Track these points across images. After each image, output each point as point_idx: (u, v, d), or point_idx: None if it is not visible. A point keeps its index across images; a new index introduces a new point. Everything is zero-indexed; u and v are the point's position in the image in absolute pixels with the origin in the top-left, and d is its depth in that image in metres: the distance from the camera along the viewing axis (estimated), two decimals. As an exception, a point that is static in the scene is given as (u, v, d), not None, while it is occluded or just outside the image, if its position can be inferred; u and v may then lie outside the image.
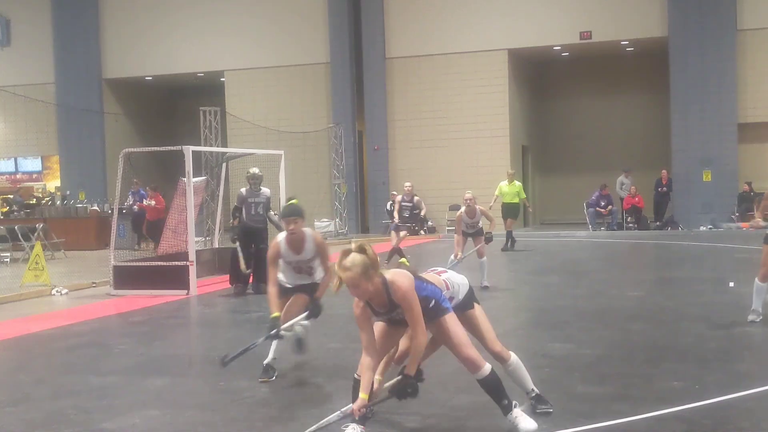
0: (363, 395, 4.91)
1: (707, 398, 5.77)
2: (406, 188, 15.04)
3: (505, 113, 23.97)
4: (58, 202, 24.88)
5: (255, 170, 12.53)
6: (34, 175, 28.98)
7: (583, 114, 27.14)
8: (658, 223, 23.52)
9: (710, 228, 22.12)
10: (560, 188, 26.61)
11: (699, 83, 22.54)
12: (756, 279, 8.49)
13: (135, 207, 21.16)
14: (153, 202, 20.38)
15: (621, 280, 13.16)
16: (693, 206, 22.81)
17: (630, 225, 23.37)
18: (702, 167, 22.83)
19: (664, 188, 23.54)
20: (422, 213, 15.34)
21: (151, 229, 19.94)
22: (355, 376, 5.21)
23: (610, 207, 23.49)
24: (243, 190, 12.41)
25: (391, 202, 24.35)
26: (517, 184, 17.92)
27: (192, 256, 12.59)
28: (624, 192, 23.82)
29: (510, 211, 17.43)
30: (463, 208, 12.11)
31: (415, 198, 15.10)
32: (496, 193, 17.92)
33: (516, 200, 17.66)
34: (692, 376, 6.49)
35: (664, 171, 23.53)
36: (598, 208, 23.48)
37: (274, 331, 6.57)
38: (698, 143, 22.71)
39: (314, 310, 6.83)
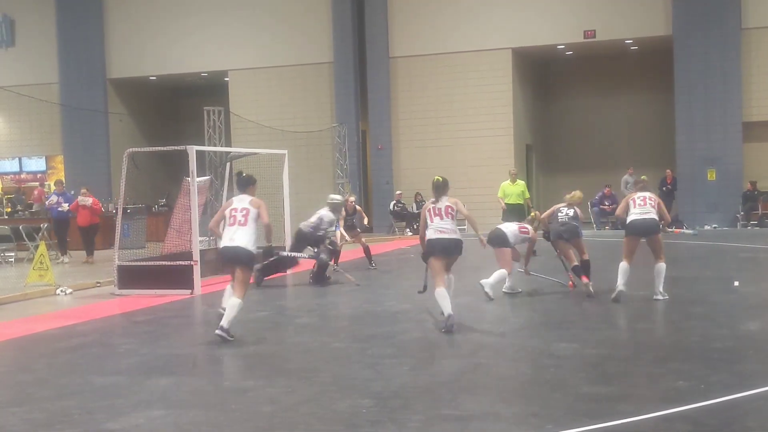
0: None
1: (713, 398, 5.75)
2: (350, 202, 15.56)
3: (509, 112, 23.93)
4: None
5: (340, 197, 13.98)
6: (39, 175, 29.00)
7: (587, 113, 27.10)
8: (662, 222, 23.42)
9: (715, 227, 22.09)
10: (564, 187, 26.17)
11: (704, 82, 22.48)
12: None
13: (58, 209, 18.35)
14: (89, 201, 17.90)
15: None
16: (698, 205, 22.74)
17: (634, 224, 23.27)
18: (707, 166, 22.77)
19: (669, 187, 23.47)
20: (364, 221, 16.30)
21: (85, 236, 18.11)
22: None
23: (614, 206, 23.40)
24: (327, 213, 13.28)
25: (394, 201, 24.35)
26: (521, 182, 17.34)
27: (196, 256, 12.58)
28: (629, 191, 23.72)
29: (515, 213, 15.98)
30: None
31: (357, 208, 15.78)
32: (500, 194, 16.91)
33: (521, 201, 16.66)
34: (697, 375, 6.46)
35: (668, 170, 23.48)
36: (602, 207, 23.42)
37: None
38: (703, 142, 22.65)
39: None
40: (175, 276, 12.53)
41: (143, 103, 28.40)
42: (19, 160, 28.93)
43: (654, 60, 24.84)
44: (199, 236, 13.27)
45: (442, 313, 8.67)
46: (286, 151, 15.63)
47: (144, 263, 13.43)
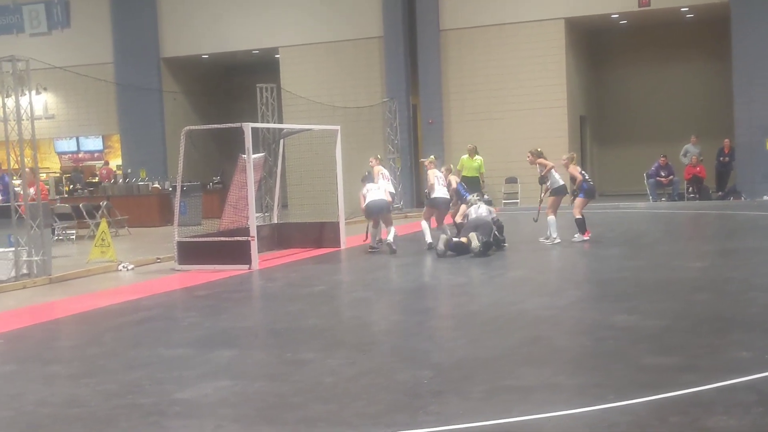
0: None
1: (777, 368, 5.70)
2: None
3: (563, 83, 23.64)
4: (120, 180, 25.36)
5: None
6: (96, 154, 29.59)
7: (642, 83, 26.63)
8: (720, 193, 23.04)
9: None
10: (619, 158, 26.19)
11: (762, 49, 21.88)
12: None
13: None
14: (31, 191, 13.60)
15: (683, 251, 12.97)
16: (756, 175, 22.25)
17: (691, 195, 22.93)
18: (765, 136, 22.24)
19: (726, 158, 23.01)
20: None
21: None
22: None
23: (671, 177, 23.07)
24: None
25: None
26: (479, 158, 17.93)
27: (253, 232, 12.76)
28: (687, 159, 23.25)
29: (471, 184, 17.53)
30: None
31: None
32: (458, 167, 18.18)
33: (476, 174, 17.96)
34: (760, 346, 6.40)
35: (726, 140, 22.99)
36: (658, 178, 23.07)
37: None
38: (762, 111, 22.09)
39: None
40: (233, 251, 12.74)
41: (196, 81, 28.68)
42: (77, 139, 29.51)
43: (711, 28, 24.29)
44: (256, 212, 13.45)
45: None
46: (338, 127, 15.67)
47: (203, 239, 13.67)
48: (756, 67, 21.99)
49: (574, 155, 14.59)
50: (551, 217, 13.63)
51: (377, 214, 13.83)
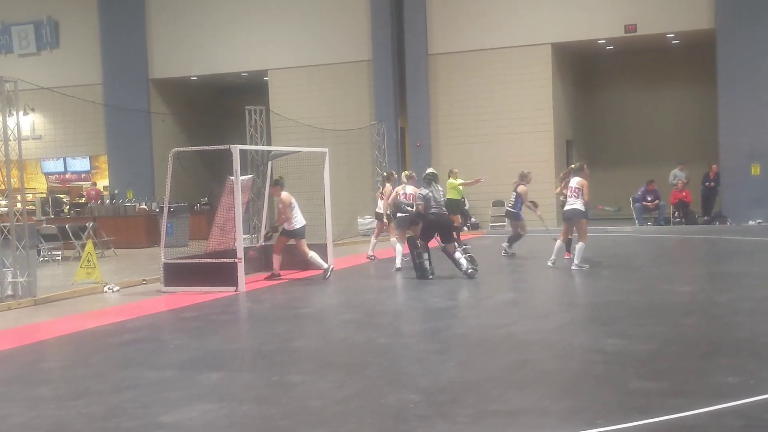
0: None
1: (764, 393, 5.71)
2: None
3: (549, 108, 23.79)
4: (107, 201, 25.26)
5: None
6: (83, 175, 29.49)
7: (628, 108, 26.83)
8: (705, 218, 23.17)
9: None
10: (606, 183, 26.25)
11: (747, 75, 22.12)
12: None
13: None
14: None
15: (671, 276, 13.03)
16: (741, 201, 22.40)
17: (677, 220, 23.05)
18: (751, 161, 22.43)
19: (712, 183, 23.17)
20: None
21: None
22: None
23: (657, 201, 23.20)
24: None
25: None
26: (459, 180, 17.96)
27: (240, 254, 12.72)
28: (675, 183, 23.37)
29: (452, 205, 16.68)
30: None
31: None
32: (448, 188, 17.98)
33: (456, 196, 17.77)
34: (748, 370, 6.42)
35: (714, 165, 23.12)
36: (644, 203, 23.20)
37: None
38: (747, 137, 22.30)
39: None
40: (220, 273, 12.66)
41: (185, 102, 28.69)
42: (64, 160, 29.42)
43: (697, 54, 24.52)
44: (243, 234, 13.41)
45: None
46: (326, 150, 15.69)
47: (189, 261, 13.61)
48: (741, 93, 22.21)
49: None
50: (558, 242, 13.86)
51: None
